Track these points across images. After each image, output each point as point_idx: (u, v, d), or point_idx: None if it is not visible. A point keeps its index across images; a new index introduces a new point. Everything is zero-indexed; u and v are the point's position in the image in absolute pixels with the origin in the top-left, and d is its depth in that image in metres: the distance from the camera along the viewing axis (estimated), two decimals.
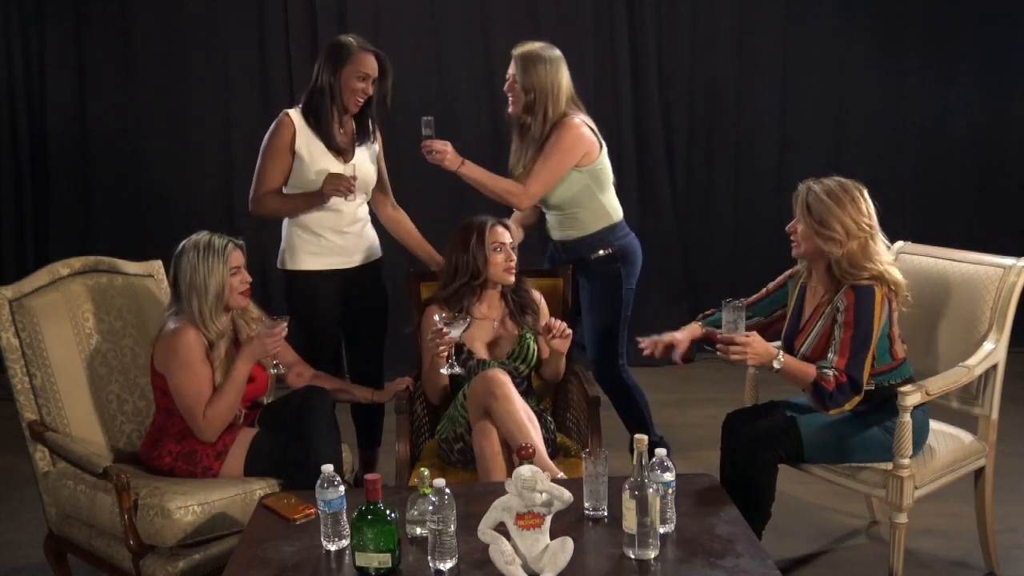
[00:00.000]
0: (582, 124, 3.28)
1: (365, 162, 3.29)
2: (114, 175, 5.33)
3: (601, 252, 3.38)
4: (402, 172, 5.20)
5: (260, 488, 2.67)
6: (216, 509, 2.57)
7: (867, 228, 2.68)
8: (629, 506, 2.09)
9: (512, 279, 3.04)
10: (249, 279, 2.82)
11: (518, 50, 3.30)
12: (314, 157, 3.18)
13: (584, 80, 5.30)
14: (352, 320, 3.39)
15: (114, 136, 5.28)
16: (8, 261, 5.33)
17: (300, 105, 3.24)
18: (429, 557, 2.09)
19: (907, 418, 2.60)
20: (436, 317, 2.83)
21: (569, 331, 2.92)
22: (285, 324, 2.77)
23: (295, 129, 3.18)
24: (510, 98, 3.33)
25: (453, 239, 3.07)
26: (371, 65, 3.18)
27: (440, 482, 2.07)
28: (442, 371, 2.87)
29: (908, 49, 5.38)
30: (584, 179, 3.30)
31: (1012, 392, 3.24)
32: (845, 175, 2.78)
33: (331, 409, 2.83)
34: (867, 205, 2.71)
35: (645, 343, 2.97)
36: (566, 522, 2.22)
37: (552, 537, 2.07)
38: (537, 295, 3.16)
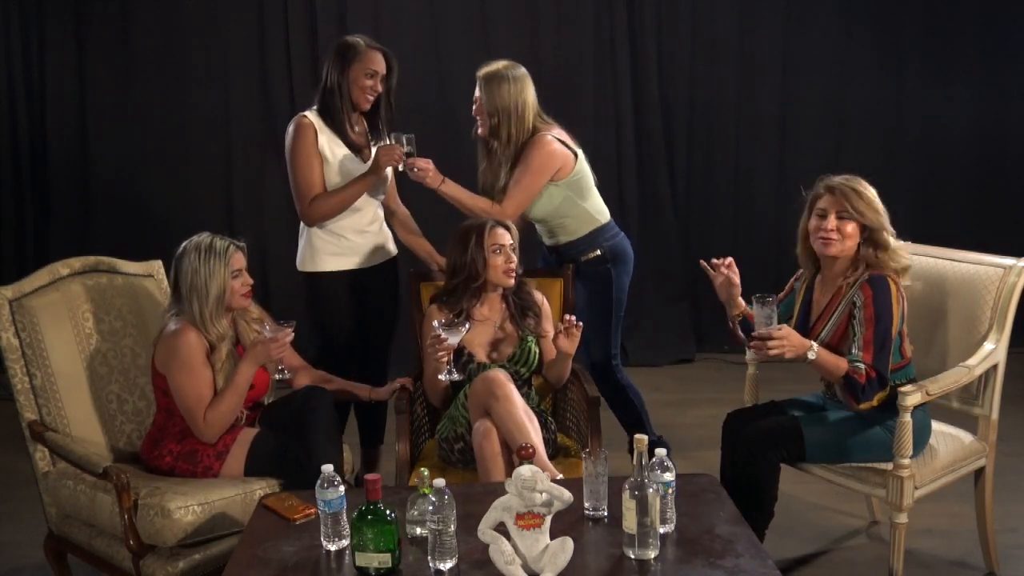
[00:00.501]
0: (553, 141, 3.29)
1: None
2: (114, 175, 5.33)
3: (591, 254, 3.40)
4: (401, 173, 5.21)
5: (260, 488, 2.67)
6: (216, 509, 2.57)
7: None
8: (629, 506, 2.09)
9: (512, 281, 3.03)
10: (250, 281, 2.82)
11: (482, 71, 3.32)
12: (336, 156, 3.20)
13: (584, 80, 5.33)
14: (367, 319, 3.40)
15: (114, 136, 5.28)
16: (8, 261, 5.33)
17: (314, 107, 3.24)
18: (429, 557, 2.08)
19: (907, 418, 2.60)
20: (435, 323, 2.82)
21: (578, 327, 2.87)
22: (291, 330, 2.75)
23: (316, 129, 3.20)
24: (478, 120, 3.37)
25: (453, 240, 3.06)
26: (379, 62, 3.21)
27: (440, 482, 2.07)
28: (441, 377, 2.86)
29: (908, 49, 5.38)
30: (563, 191, 3.33)
31: (1012, 392, 3.23)
32: (845, 175, 2.78)
33: (331, 409, 2.83)
34: None
35: (726, 263, 2.89)
36: (566, 522, 2.21)
37: (552, 537, 2.07)
38: (540, 297, 3.15)
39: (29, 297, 2.85)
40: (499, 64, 3.32)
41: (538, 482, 2.01)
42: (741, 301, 2.96)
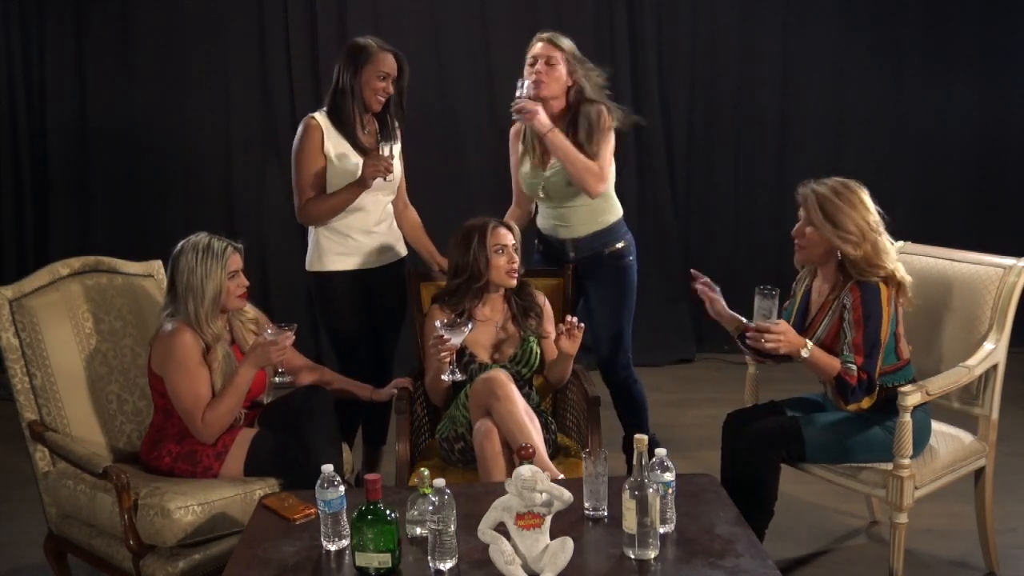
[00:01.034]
0: None
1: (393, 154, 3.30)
2: (114, 175, 5.33)
3: (616, 245, 3.36)
4: (406, 172, 5.22)
5: (260, 488, 2.67)
6: (216, 509, 2.57)
7: (876, 227, 2.69)
8: (629, 506, 2.09)
9: (514, 282, 3.03)
10: (246, 283, 2.81)
11: (546, 33, 3.27)
12: (342, 158, 3.20)
13: None
14: (374, 319, 3.40)
15: (114, 136, 5.28)
16: (8, 261, 5.33)
17: (324, 108, 3.25)
18: (429, 557, 2.08)
19: (907, 418, 2.60)
20: (437, 323, 2.82)
21: (580, 328, 2.87)
22: (291, 334, 2.74)
23: (323, 131, 3.19)
24: (542, 82, 3.22)
25: (455, 240, 3.06)
26: (391, 64, 3.21)
27: (440, 482, 2.07)
28: (443, 377, 2.86)
29: (908, 49, 5.38)
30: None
31: (1012, 392, 3.23)
32: (845, 175, 2.78)
33: (331, 409, 2.83)
34: (872, 204, 2.71)
35: (701, 280, 2.97)
36: (566, 522, 2.21)
37: (552, 537, 2.07)
38: (542, 298, 3.15)
39: (29, 297, 2.85)
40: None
41: (538, 482, 2.01)
42: (733, 315, 2.97)
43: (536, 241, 3.51)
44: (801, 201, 2.75)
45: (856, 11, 5.35)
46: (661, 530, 2.17)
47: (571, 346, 2.90)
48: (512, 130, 3.44)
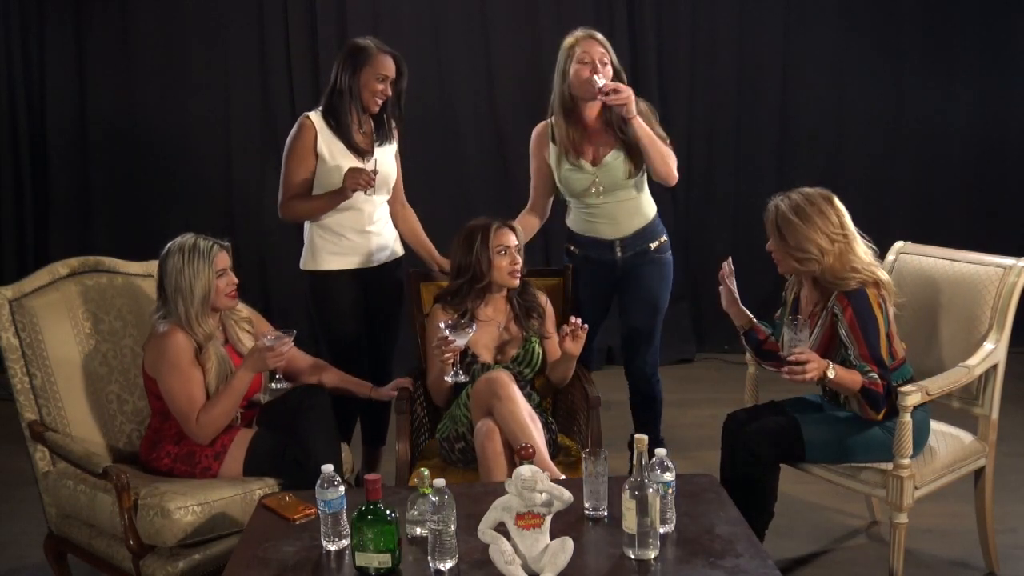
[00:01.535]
0: None
1: (385, 159, 3.31)
2: (114, 175, 5.33)
3: (661, 239, 3.36)
4: (404, 172, 5.20)
5: (259, 488, 2.67)
6: (216, 509, 2.56)
7: (841, 237, 2.67)
8: (629, 506, 2.09)
9: (517, 283, 3.03)
10: (236, 281, 2.81)
11: (594, 33, 3.23)
12: (336, 158, 3.19)
13: None
14: (370, 319, 3.39)
15: (114, 136, 5.28)
16: (8, 261, 5.33)
17: (320, 108, 3.25)
18: (429, 557, 2.08)
19: (907, 418, 2.60)
20: (441, 324, 2.81)
21: (584, 329, 2.86)
22: (289, 340, 2.73)
23: (316, 132, 3.19)
24: (600, 75, 3.14)
25: (458, 240, 3.06)
26: (389, 66, 3.21)
27: (440, 482, 2.07)
28: (447, 379, 2.86)
29: (908, 49, 5.38)
30: None
31: (1012, 392, 3.24)
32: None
33: (329, 408, 2.83)
34: (836, 213, 2.69)
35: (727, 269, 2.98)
36: (566, 522, 2.22)
37: (552, 537, 2.07)
38: (543, 298, 3.15)
39: (29, 297, 2.85)
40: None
41: (538, 482, 2.01)
42: (745, 312, 2.97)
43: (570, 245, 3.42)
44: (764, 219, 2.77)
45: (856, 11, 5.35)
46: (661, 530, 2.17)
47: (575, 347, 2.90)
48: (535, 133, 3.36)
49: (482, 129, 5.35)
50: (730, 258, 3.05)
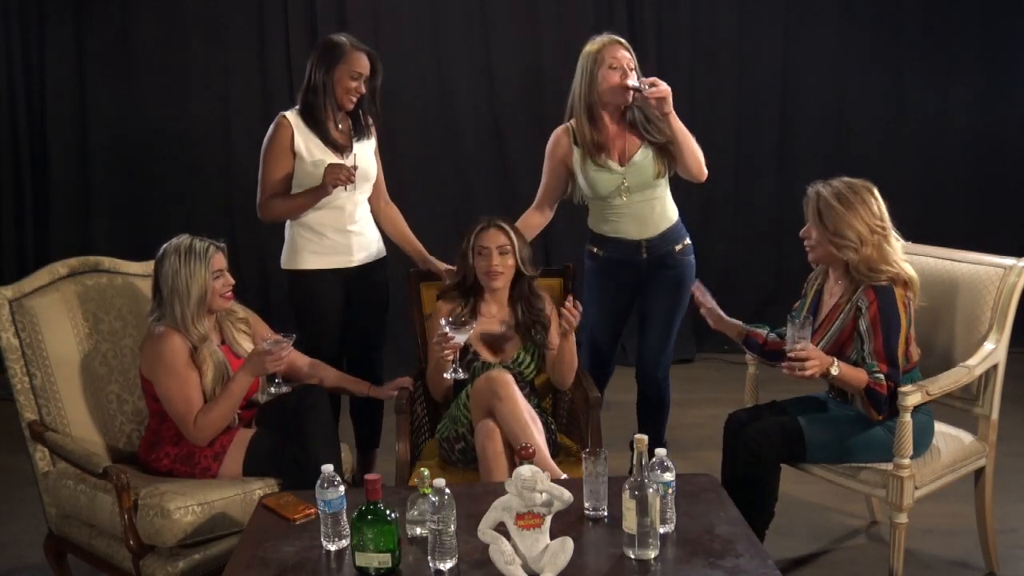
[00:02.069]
0: None
1: (364, 155, 3.29)
2: (114, 175, 5.33)
3: (685, 241, 3.37)
4: (404, 172, 5.22)
5: (259, 488, 2.67)
6: (216, 509, 2.56)
7: (880, 229, 2.67)
8: (629, 506, 2.09)
9: (495, 284, 3.00)
10: (231, 282, 2.81)
11: (620, 39, 3.23)
12: (314, 156, 3.18)
13: None
14: (354, 319, 3.38)
15: (114, 136, 5.29)
16: (8, 261, 5.33)
17: (297, 106, 3.24)
18: (429, 557, 2.08)
19: (907, 418, 2.60)
20: (442, 321, 2.82)
21: (577, 307, 2.84)
22: (289, 344, 2.73)
23: (293, 130, 3.19)
24: (633, 83, 3.17)
25: (459, 243, 3.08)
26: (364, 64, 3.19)
27: (440, 482, 2.07)
28: (445, 375, 2.86)
29: (908, 49, 5.38)
30: None
31: (1012, 392, 3.23)
32: (845, 174, 2.77)
33: (328, 408, 2.83)
34: (878, 205, 2.70)
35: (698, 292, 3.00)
36: (566, 522, 2.22)
37: (552, 537, 2.07)
38: (549, 306, 3.10)
39: (29, 297, 2.85)
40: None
41: (538, 482, 2.01)
42: (734, 322, 2.97)
43: (592, 247, 3.39)
44: (804, 204, 2.75)
45: (856, 11, 5.35)
46: (661, 530, 2.17)
47: (568, 327, 2.86)
48: (555, 136, 3.35)
49: (482, 129, 5.35)
50: (697, 280, 3.07)
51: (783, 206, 5.50)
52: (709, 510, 2.35)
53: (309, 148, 3.19)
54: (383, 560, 2.08)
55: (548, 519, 2.06)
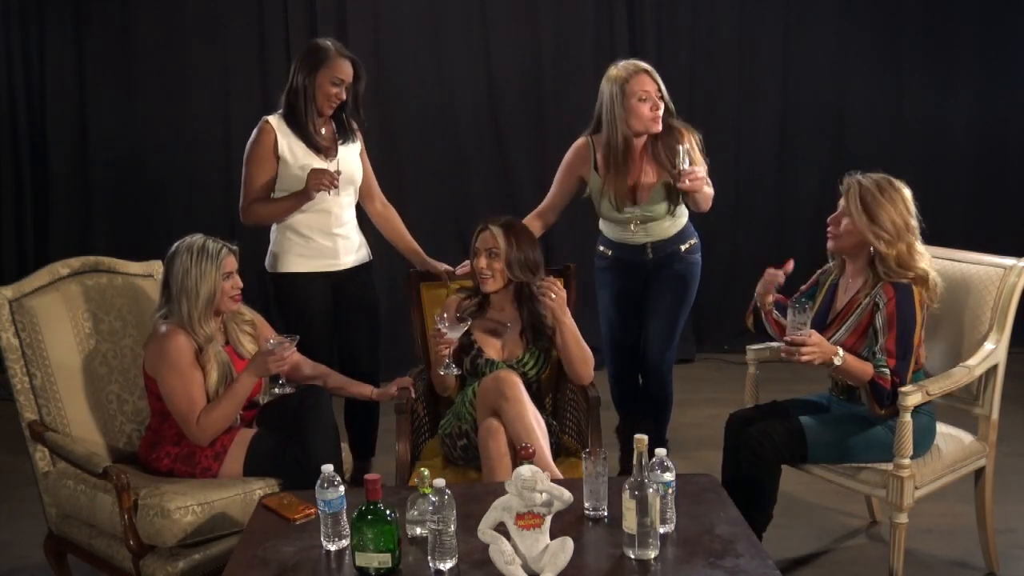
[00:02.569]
0: None
1: (348, 159, 3.29)
2: (114, 175, 5.33)
3: (691, 242, 3.44)
4: (404, 172, 5.22)
5: (260, 488, 2.67)
6: (216, 509, 2.56)
7: (914, 228, 2.69)
8: (629, 506, 2.08)
9: (484, 287, 2.99)
10: (241, 284, 2.81)
11: (638, 64, 3.27)
12: (298, 159, 3.18)
13: (584, 81, 5.32)
14: (343, 323, 3.38)
15: (114, 136, 5.28)
16: (8, 261, 5.33)
17: (280, 110, 3.24)
18: (429, 557, 2.08)
19: (907, 418, 2.60)
20: (437, 318, 2.83)
21: (559, 287, 2.87)
22: (291, 344, 2.73)
23: (276, 134, 3.19)
24: (653, 114, 3.24)
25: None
26: (346, 71, 3.19)
27: (440, 482, 2.07)
28: (440, 372, 2.87)
29: (908, 49, 5.39)
30: None
31: (1012, 392, 3.23)
32: (845, 175, 2.77)
33: (329, 408, 2.83)
34: (912, 205, 2.71)
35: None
36: (566, 522, 2.22)
37: (552, 537, 2.07)
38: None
39: (29, 297, 2.85)
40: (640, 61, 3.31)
41: (538, 482, 2.01)
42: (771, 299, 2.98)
43: (600, 247, 3.51)
44: (844, 190, 2.75)
45: (856, 11, 5.36)
46: (661, 530, 2.17)
47: (556, 314, 2.87)
48: (575, 148, 3.40)
49: (482, 129, 5.35)
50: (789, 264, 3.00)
51: (783, 206, 5.51)
52: (709, 510, 2.35)
53: (293, 151, 3.19)
54: (383, 560, 2.08)
55: (548, 519, 2.06)
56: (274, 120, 3.22)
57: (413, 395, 3.01)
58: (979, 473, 2.93)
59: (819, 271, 2.97)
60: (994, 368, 2.82)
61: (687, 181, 3.12)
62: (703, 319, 5.49)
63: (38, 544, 2.97)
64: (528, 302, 3.01)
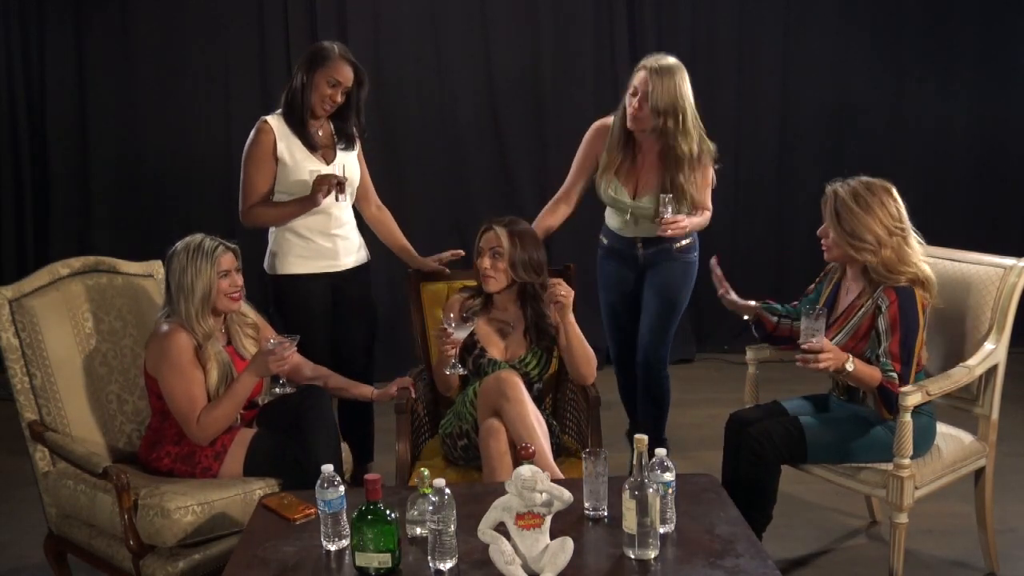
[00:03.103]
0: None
1: (349, 162, 3.29)
2: (114, 175, 5.33)
3: (684, 241, 3.44)
4: (404, 172, 5.23)
5: (260, 488, 2.67)
6: (216, 509, 2.56)
7: (899, 231, 2.66)
8: (629, 506, 2.09)
9: (491, 287, 2.98)
10: (240, 283, 2.80)
11: (651, 63, 3.25)
12: (297, 160, 3.18)
13: (584, 80, 5.33)
14: (341, 324, 3.38)
15: (114, 136, 5.28)
16: (8, 261, 5.33)
17: (279, 110, 3.24)
18: (429, 557, 2.08)
19: (907, 418, 2.60)
20: (443, 318, 2.83)
21: (566, 288, 2.85)
22: (291, 345, 2.72)
23: (275, 136, 3.18)
24: (636, 117, 3.26)
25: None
26: (344, 74, 3.17)
27: (440, 482, 2.07)
28: (445, 371, 2.87)
29: (908, 49, 5.39)
30: None
31: (1012, 392, 3.24)
32: (845, 175, 2.77)
33: (329, 408, 2.83)
34: (896, 206, 2.68)
35: (718, 271, 3.01)
36: (566, 522, 2.22)
37: (552, 537, 2.07)
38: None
39: (29, 297, 2.85)
40: (670, 58, 3.28)
41: (538, 482, 2.01)
42: (746, 303, 2.97)
43: (600, 236, 3.59)
44: (822, 204, 2.74)
45: (856, 11, 5.36)
46: (661, 530, 2.17)
47: (562, 313, 2.87)
48: (596, 126, 3.44)
49: (482, 129, 5.34)
50: (714, 257, 3.06)
51: (783, 206, 5.51)
52: (709, 510, 2.35)
53: (292, 152, 3.18)
54: (383, 560, 2.08)
55: (548, 519, 2.06)
56: (273, 120, 3.21)
57: (413, 395, 3.00)
58: (979, 473, 2.93)
59: (823, 271, 2.97)
60: (994, 368, 2.82)
61: (668, 230, 3.18)
62: (703, 319, 5.49)
63: (38, 544, 2.97)
64: (531, 302, 3.00)
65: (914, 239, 2.71)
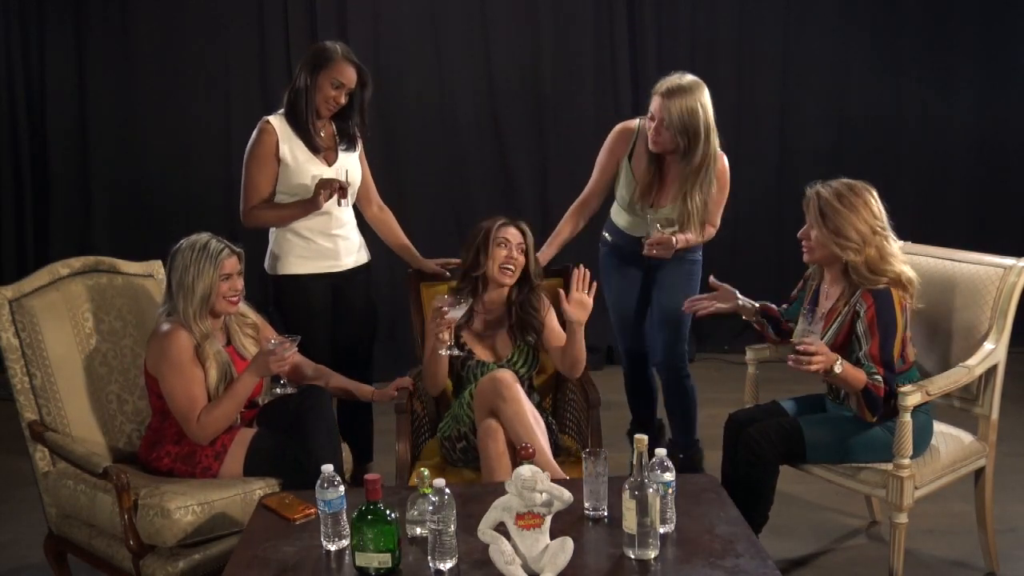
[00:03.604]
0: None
1: (351, 164, 3.29)
2: (114, 175, 5.33)
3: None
4: (404, 172, 5.23)
5: (260, 488, 2.67)
6: (216, 509, 2.57)
7: (881, 230, 2.67)
8: (629, 506, 2.09)
9: (507, 280, 3.00)
10: (240, 287, 2.80)
11: (666, 86, 3.29)
12: (299, 161, 3.18)
13: (584, 80, 5.33)
14: (341, 323, 3.38)
15: (114, 136, 5.28)
16: (8, 261, 5.33)
17: (281, 111, 3.23)
18: (429, 557, 2.09)
19: (907, 418, 2.60)
20: (437, 298, 2.84)
21: (591, 281, 2.85)
22: (291, 345, 2.72)
23: (277, 136, 3.17)
24: (655, 141, 3.28)
25: (469, 235, 3.09)
26: (348, 75, 3.17)
27: (440, 482, 2.07)
28: (440, 352, 2.86)
29: (908, 49, 5.39)
30: None
31: (1012, 392, 3.24)
32: (845, 175, 2.78)
33: (330, 408, 2.83)
34: (878, 206, 2.70)
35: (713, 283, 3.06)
36: (566, 522, 2.22)
37: (552, 537, 2.07)
38: (546, 307, 3.09)
39: (29, 297, 2.85)
40: (685, 78, 3.31)
41: (538, 482, 2.01)
42: (745, 303, 2.97)
43: (604, 233, 3.58)
44: (804, 204, 2.75)
45: (856, 11, 5.36)
46: (661, 530, 2.17)
47: (579, 311, 2.84)
48: (619, 129, 3.46)
49: (482, 129, 5.35)
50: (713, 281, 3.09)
51: (783, 206, 5.50)
52: (709, 510, 2.35)
53: (294, 153, 3.18)
54: (383, 560, 2.08)
55: (548, 519, 2.06)
56: (275, 121, 3.20)
57: (412, 388, 3.01)
58: (979, 473, 2.93)
59: (804, 276, 2.98)
60: (994, 368, 2.82)
61: (654, 251, 3.23)
62: (703, 319, 5.48)
63: (38, 544, 2.97)
64: (522, 301, 3.04)
65: (894, 240, 2.73)
